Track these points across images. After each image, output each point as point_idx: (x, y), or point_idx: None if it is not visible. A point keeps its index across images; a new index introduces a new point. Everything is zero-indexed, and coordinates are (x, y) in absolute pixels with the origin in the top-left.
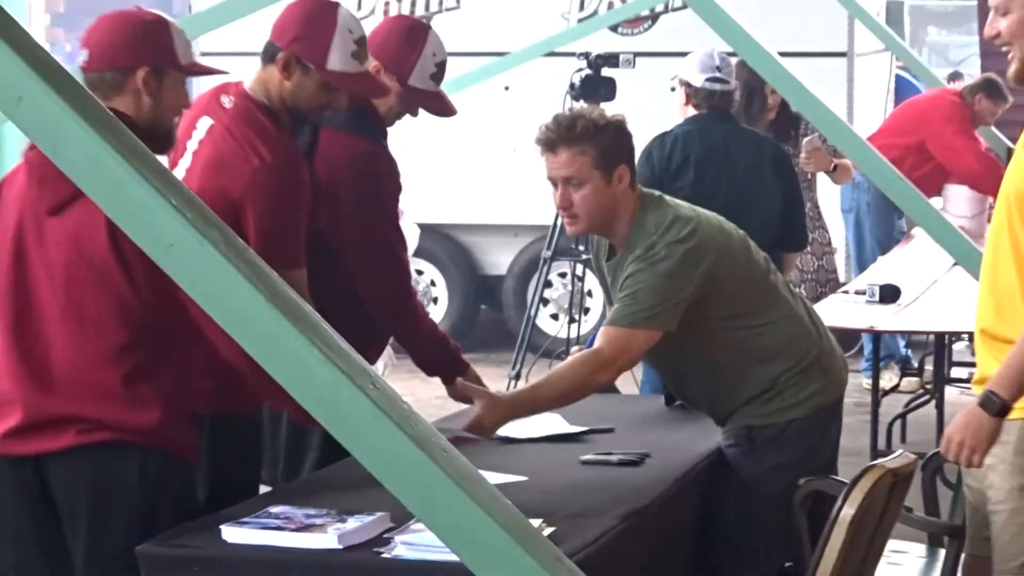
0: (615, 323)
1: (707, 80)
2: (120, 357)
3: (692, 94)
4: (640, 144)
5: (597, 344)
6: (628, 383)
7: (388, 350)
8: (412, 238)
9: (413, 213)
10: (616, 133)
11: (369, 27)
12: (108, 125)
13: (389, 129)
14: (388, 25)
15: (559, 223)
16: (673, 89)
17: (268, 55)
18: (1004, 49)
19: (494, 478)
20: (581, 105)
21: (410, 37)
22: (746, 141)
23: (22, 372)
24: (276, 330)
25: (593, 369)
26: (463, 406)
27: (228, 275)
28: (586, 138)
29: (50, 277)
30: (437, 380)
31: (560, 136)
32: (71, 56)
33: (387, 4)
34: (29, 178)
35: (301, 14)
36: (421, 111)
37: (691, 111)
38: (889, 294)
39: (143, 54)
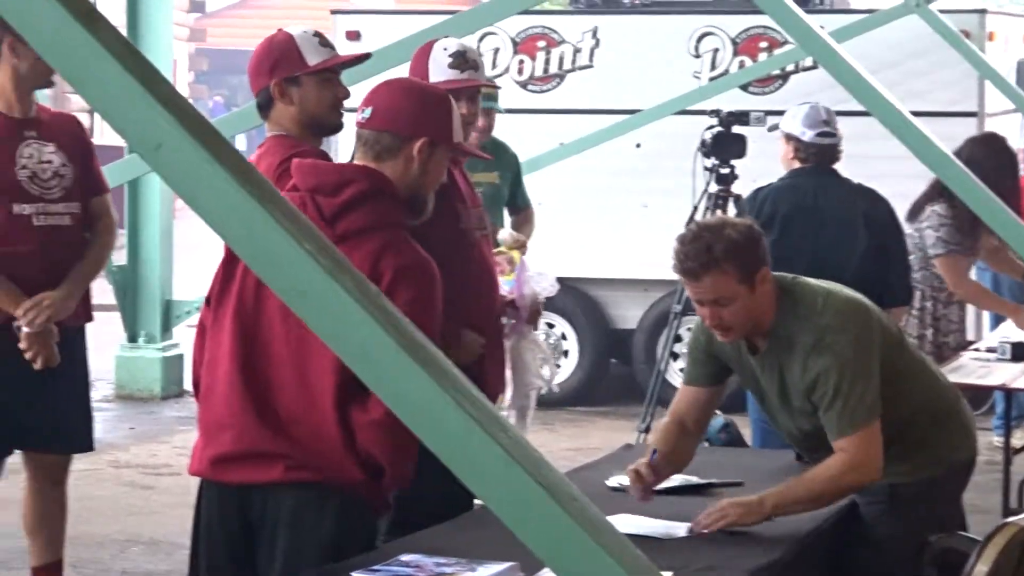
0: (845, 433)
1: (817, 135)
2: (336, 402)
3: (801, 148)
4: None
5: (843, 454)
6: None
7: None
8: (548, 288)
9: (546, 267)
10: (749, 240)
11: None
12: (244, 172)
13: None
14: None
15: None
16: (770, 129)
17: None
18: None
19: (630, 525)
20: (713, 162)
21: (422, 49)
22: (839, 195)
23: (243, 401)
24: (407, 376)
25: (856, 476)
26: (593, 457)
27: (360, 321)
28: (725, 259)
29: (283, 315)
30: (568, 432)
31: (700, 264)
32: (213, 111)
33: (521, 63)
34: None
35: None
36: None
37: (795, 164)
38: (1021, 352)
39: (425, 126)
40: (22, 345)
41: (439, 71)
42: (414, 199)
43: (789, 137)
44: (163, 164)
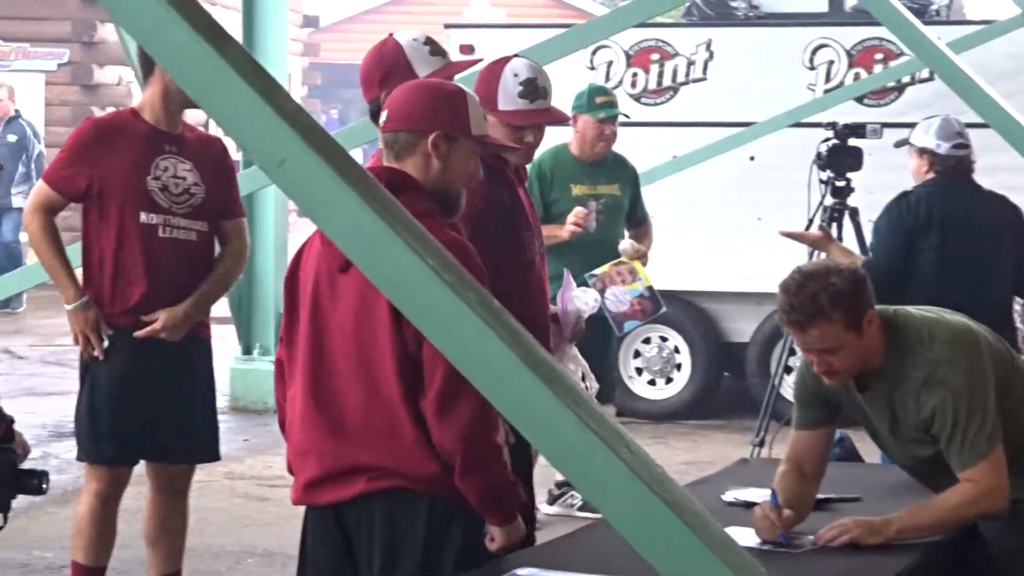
0: (969, 464)
1: (952, 147)
2: (405, 407)
3: (937, 161)
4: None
5: (969, 484)
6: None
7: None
8: (592, 306)
9: (658, 280)
10: (854, 286)
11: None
12: (368, 187)
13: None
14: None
15: None
16: (898, 144)
17: None
18: None
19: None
20: (828, 175)
21: (490, 70)
22: (985, 203)
23: (318, 423)
24: (531, 392)
25: (984, 505)
26: (706, 472)
27: (483, 336)
28: (832, 308)
29: (342, 330)
30: (681, 446)
31: (807, 316)
32: (327, 126)
33: (634, 76)
34: (322, 238)
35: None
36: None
37: (929, 177)
38: None
39: (437, 120)
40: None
41: (508, 100)
42: (443, 196)
43: (923, 151)
44: (286, 179)
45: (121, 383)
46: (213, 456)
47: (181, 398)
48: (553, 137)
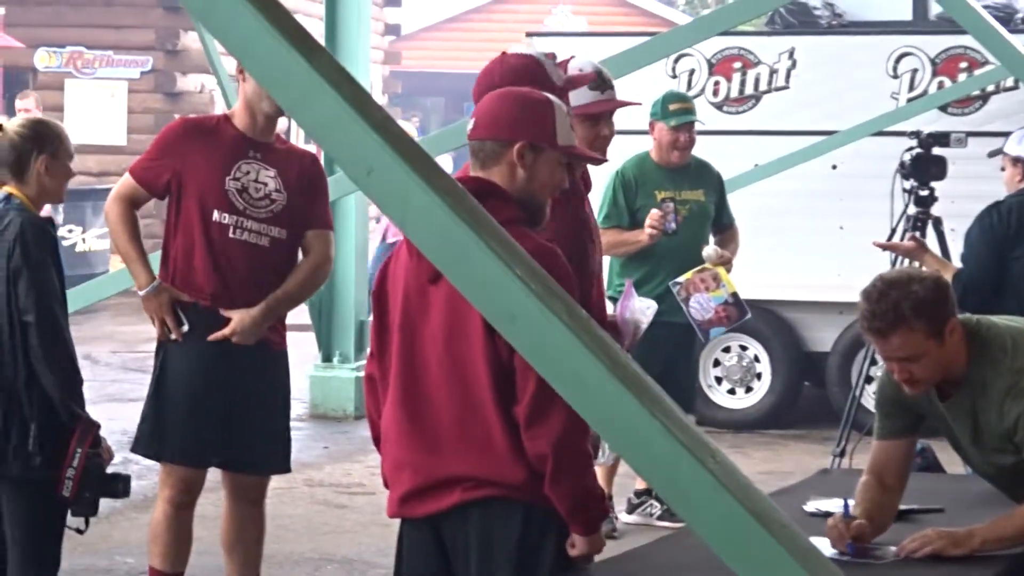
0: None
1: None
2: (499, 415)
3: None
4: (969, 221)
5: None
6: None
7: None
8: (649, 317)
9: (738, 289)
10: (935, 294)
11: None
12: (456, 196)
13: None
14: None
15: None
16: (991, 155)
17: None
18: None
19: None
20: (912, 184)
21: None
22: None
23: (411, 435)
24: (618, 402)
25: None
26: (786, 481)
27: (571, 346)
28: (914, 316)
29: (434, 342)
30: (760, 455)
31: (888, 324)
32: None
33: (716, 84)
34: (410, 250)
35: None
36: None
37: (1022, 186)
38: None
39: (523, 129)
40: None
41: (579, 95)
42: (528, 205)
43: (1017, 160)
44: (374, 188)
45: (191, 384)
46: (282, 469)
47: (253, 407)
48: (636, 146)
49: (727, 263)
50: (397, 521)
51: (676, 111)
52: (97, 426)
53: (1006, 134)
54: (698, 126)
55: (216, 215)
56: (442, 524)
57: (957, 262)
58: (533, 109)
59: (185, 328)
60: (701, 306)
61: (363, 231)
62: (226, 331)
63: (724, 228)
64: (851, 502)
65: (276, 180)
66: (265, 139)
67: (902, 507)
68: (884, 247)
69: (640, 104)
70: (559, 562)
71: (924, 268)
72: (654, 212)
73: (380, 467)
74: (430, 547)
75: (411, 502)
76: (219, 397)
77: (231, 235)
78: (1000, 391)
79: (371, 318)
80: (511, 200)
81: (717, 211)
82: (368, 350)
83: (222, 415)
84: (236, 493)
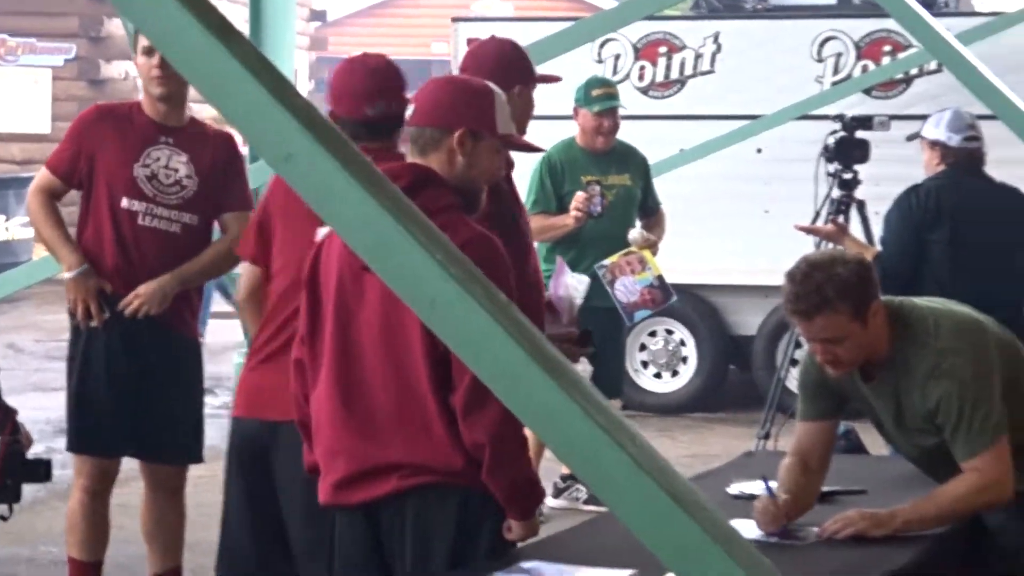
0: (974, 453)
1: (964, 139)
2: (436, 401)
3: (949, 153)
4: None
5: (974, 474)
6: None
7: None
8: (582, 293)
9: (664, 273)
10: (859, 276)
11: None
12: (376, 182)
13: None
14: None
15: None
16: (909, 138)
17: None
18: None
19: (755, 531)
20: (836, 167)
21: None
22: (1000, 195)
23: (347, 422)
24: (537, 385)
25: (989, 496)
26: (712, 464)
27: (491, 330)
28: (837, 298)
29: (370, 329)
30: (686, 439)
31: (812, 306)
32: None
33: (642, 69)
34: None
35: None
36: None
37: (940, 169)
38: None
39: (464, 116)
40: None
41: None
42: (466, 192)
43: (935, 143)
44: (294, 174)
45: (106, 375)
46: (195, 458)
47: (165, 397)
48: (562, 131)
49: (653, 246)
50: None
51: (599, 96)
52: (14, 412)
53: (928, 117)
54: (623, 111)
55: (125, 202)
56: (378, 511)
57: (880, 245)
58: (474, 96)
59: (107, 315)
60: (627, 289)
61: None
62: (129, 296)
63: (650, 212)
64: (772, 483)
65: (188, 166)
66: (177, 124)
67: (825, 488)
68: (806, 231)
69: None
70: (495, 546)
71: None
72: (579, 195)
73: (305, 453)
74: (364, 534)
75: (346, 489)
76: (131, 387)
77: (140, 222)
78: (922, 372)
79: (303, 304)
80: (449, 187)
81: (643, 195)
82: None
83: (134, 404)
84: (154, 482)
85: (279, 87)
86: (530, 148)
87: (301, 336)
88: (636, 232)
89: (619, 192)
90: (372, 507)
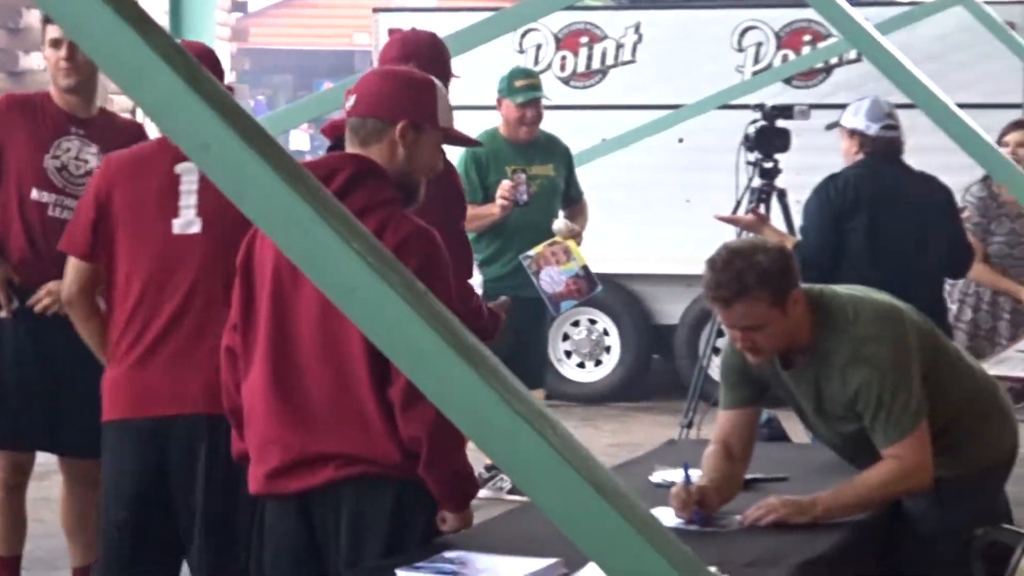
0: (893, 441)
1: (882, 128)
2: (373, 393)
3: (867, 143)
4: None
5: (894, 461)
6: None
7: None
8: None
9: (589, 262)
10: (780, 264)
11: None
12: (293, 172)
13: None
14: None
15: None
16: (829, 127)
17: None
18: None
19: (675, 518)
20: (756, 156)
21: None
22: (917, 183)
23: (282, 412)
24: (455, 374)
25: (908, 484)
26: (635, 453)
27: (408, 319)
28: (757, 286)
29: (307, 318)
30: (610, 428)
31: (732, 293)
32: (255, 110)
33: (563, 59)
34: None
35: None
36: None
37: (859, 158)
38: None
39: (407, 109)
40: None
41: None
42: (405, 185)
43: (853, 132)
44: (211, 164)
45: (16, 367)
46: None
47: (78, 390)
48: (485, 122)
49: (577, 236)
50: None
51: (522, 87)
52: None
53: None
54: (546, 101)
55: (35, 193)
56: (311, 501)
57: (799, 234)
58: (417, 89)
59: (15, 305)
60: (552, 279)
61: None
62: (41, 292)
63: (573, 202)
64: (693, 471)
65: (98, 157)
66: (87, 115)
67: (748, 476)
68: (726, 220)
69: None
70: (427, 538)
71: None
72: (505, 183)
73: (234, 441)
74: (297, 524)
75: (279, 479)
76: (42, 379)
77: (50, 213)
78: (842, 360)
79: (236, 291)
80: (389, 180)
81: (566, 185)
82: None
83: (46, 397)
84: (73, 475)
85: (195, 76)
86: (469, 142)
87: (233, 324)
88: (561, 222)
89: (543, 182)
90: (305, 497)
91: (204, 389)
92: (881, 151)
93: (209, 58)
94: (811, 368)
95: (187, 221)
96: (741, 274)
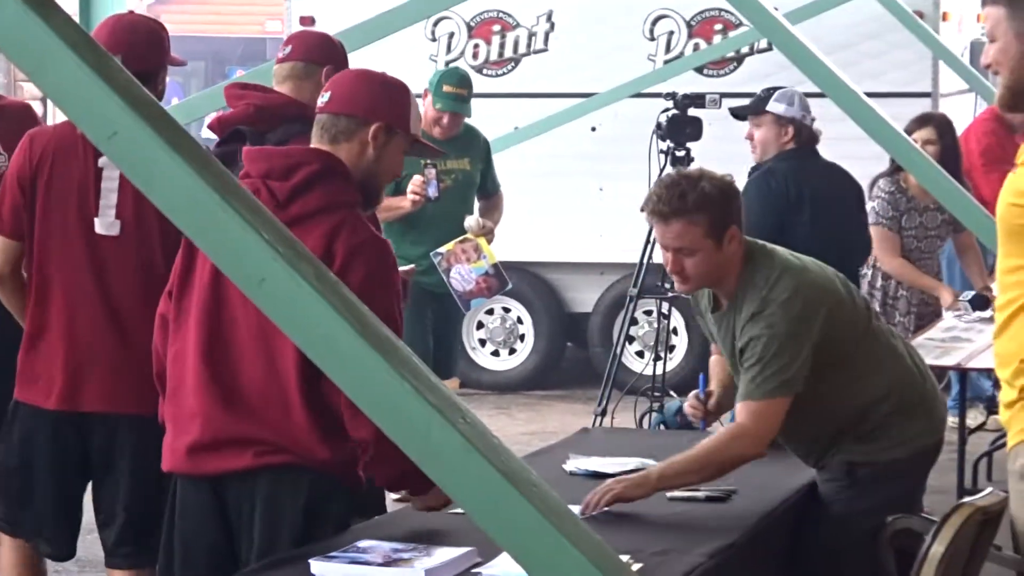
0: (751, 396)
1: (811, 119)
2: (300, 388)
3: (804, 131)
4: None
5: (738, 419)
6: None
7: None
8: None
9: (500, 251)
10: (723, 195)
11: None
12: (202, 161)
13: None
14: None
15: (645, 261)
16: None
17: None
18: (995, 76)
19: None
20: (668, 145)
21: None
22: (838, 175)
23: (210, 389)
24: (367, 364)
25: (741, 445)
26: (549, 442)
27: (319, 309)
28: (696, 209)
29: (245, 304)
30: (524, 416)
31: (672, 210)
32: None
33: (476, 47)
34: None
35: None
36: None
37: (789, 147)
38: (980, 303)
39: (383, 112)
40: None
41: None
42: (367, 186)
43: (791, 121)
44: (118, 152)
45: None
46: None
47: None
48: None
49: (488, 233)
50: None
51: (447, 94)
52: None
53: (775, 93)
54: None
55: None
56: (226, 484)
57: None
58: (394, 93)
59: None
60: (462, 277)
61: None
62: None
63: (489, 195)
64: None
65: None
66: None
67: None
68: None
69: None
70: (341, 528)
71: None
72: (416, 178)
73: (161, 405)
74: (210, 506)
75: (198, 456)
76: None
77: None
78: (746, 315)
79: (178, 256)
80: (352, 182)
81: (483, 178)
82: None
83: None
84: None
85: (100, 63)
86: (435, 152)
87: (168, 290)
88: (472, 220)
89: (457, 177)
90: (221, 479)
91: (131, 389)
92: (807, 141)
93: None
94: (729, 315)
95: (108, 222)
96: (685, 194)
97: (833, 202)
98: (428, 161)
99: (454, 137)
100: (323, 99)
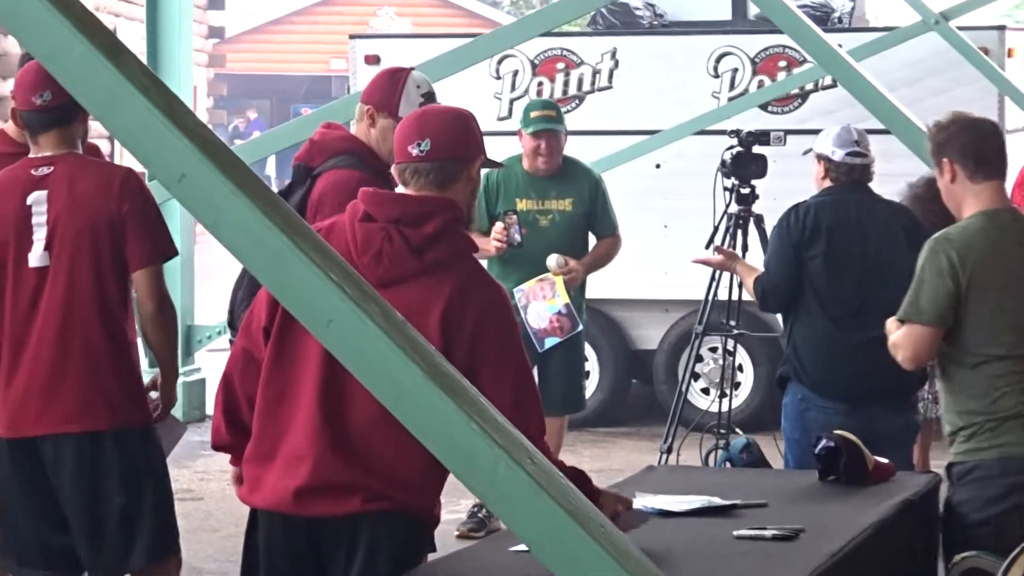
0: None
1: (847, 155)
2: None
3: (832, 168)
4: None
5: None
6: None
7: None
8: None
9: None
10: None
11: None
12: (270, 202)
13: None
14: (375, 76)
15: (710, 297)
16: (805, 152)
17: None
18: None
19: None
20: (733, 182)
21: (392, 77)
22: (879, 210)
23: (323, 432)
24: (434, 404)
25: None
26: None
27: (386, 350)
28: None
29: None
30: (589, 453)
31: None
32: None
33: (540, 85)
34: (362, 248)
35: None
36: None
37: (827, 184)
38: None
39: (478, 145)
40: None
41: (410, 106)
42: (469, 217)
43: (820, 157)
44: (187, 194)
45: None
46: None
47: None
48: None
49: (569, 273)
50: (227, 526)
51: (536, 118)
52: None
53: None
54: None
55: None
56: (323, 526)
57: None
58: (476, 125)
59: None
60: (538, 315)
61: (188, 235)
62: None
63: (599, 236)
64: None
65: None
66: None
67: (726, 503)
68: (701, 263)
69: None
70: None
71: (736, 277)
72: (498, 225)
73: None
74: (302, 548)
75: (304, 499)
76: None
77: None
78: None
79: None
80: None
81: (592, 219)
82: (194, 354)
83: None
84: None
85: (169, 105)
86: (495, 164)
87: (261, 327)
88: (553, 258)
89: (555, 217)
90: (318, 521)
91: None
92: (844, 177)
93: None
94: None
95: (38, 255)
96: None
97: (862, 237)
98: (508, 209)
99: (557, 175)
100: (422, 147)
